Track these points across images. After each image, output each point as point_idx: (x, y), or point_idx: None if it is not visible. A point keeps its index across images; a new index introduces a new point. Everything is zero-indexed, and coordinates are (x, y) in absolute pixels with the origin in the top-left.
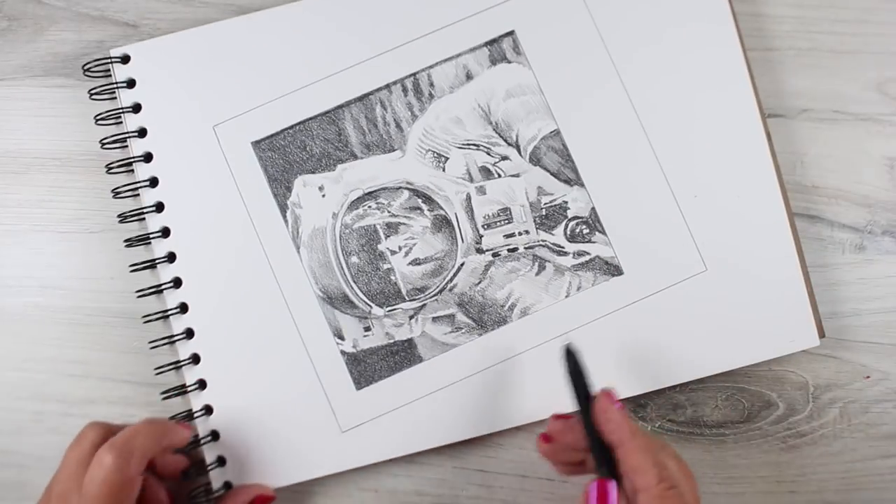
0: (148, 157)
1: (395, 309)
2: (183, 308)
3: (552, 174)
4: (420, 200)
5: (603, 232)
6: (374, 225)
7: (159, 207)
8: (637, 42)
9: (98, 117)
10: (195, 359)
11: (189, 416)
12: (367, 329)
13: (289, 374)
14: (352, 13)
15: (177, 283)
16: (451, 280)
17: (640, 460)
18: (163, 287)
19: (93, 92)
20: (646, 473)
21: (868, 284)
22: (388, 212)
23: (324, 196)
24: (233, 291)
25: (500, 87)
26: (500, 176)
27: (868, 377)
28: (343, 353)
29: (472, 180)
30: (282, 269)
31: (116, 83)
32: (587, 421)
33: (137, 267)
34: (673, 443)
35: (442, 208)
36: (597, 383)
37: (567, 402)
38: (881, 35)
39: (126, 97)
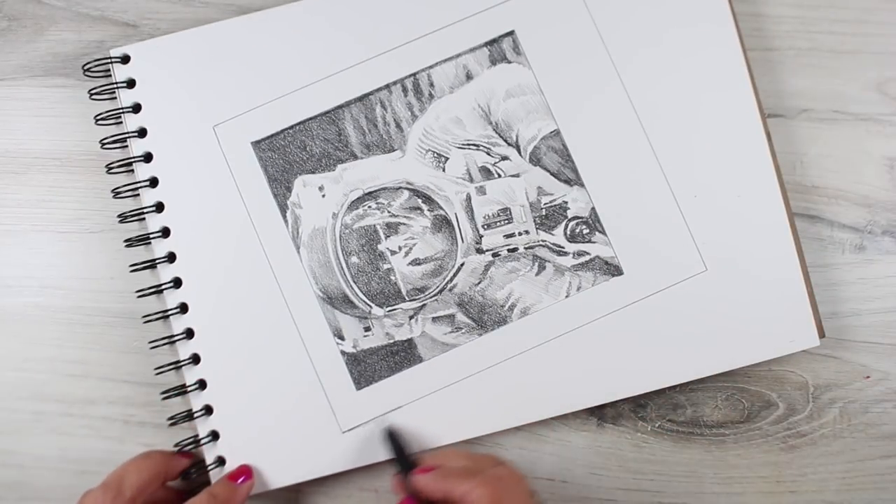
0: (148, 157)
1: (395, 309)
2: (183, 308)
3: (552, 174)
4: (420, 200)
5: (603, 232)
6: (374, 225)
7: (159, 207)
8: (637, 42)
9: (98, 117)
10: (195, 359)
11: (189, 416)
12: (367, 329)
13: (289, 374)
14: (352, 13)
15: (177, 283)
16: (451, 280)
17: (461, 488)
18: (163, 287)
19: (93, 92)
20: (470, 493)
21: (868, 284)
22: (388, 212)
23: (324, 196)
24: (233, 291)
25: (500, 87)
26: (500, 176)
27: (868, 377)
28: (343, 353)
29: (472, 180)
30: (282, 270)
31: (116, 83)
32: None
33: (137, 267)
34: (673, 443)
35: (442, 208)
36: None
37: None
38: (881, 35)
39: (126, 97)
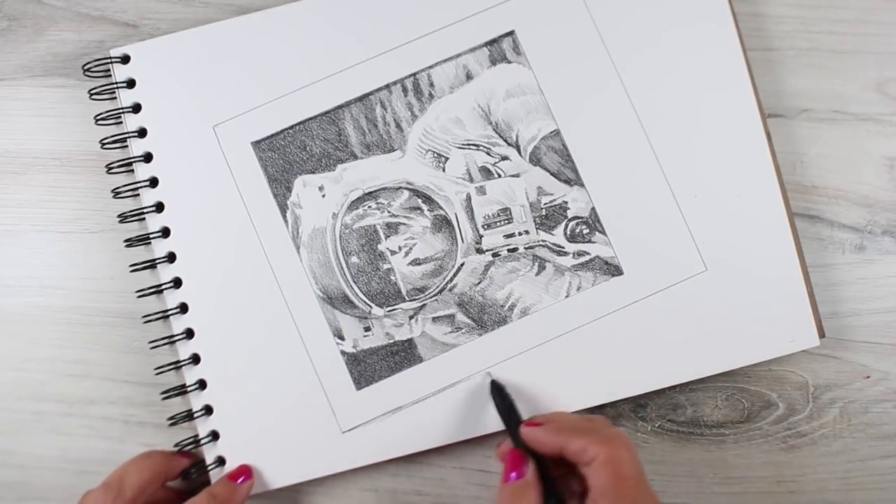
0: (148, 157)
1: (395, 309)
2: (183, 308)
3: (552, 174)
4: (420, 200)
5: (603, 232)
6: (374, 225)
7: (159, 207)
8: (637, 42)
9: (98, 117)
10: (195, 359)
11: (189, 416)
12: (367, 329)
13: (289, 374)
14: (352, 13)
15: (177, 283)
16: (451, 280)
17: (577, 444)
18: (163, 287)
19: (93, 92)
20: (585, 450)
21: (868, 284)
22: (388, 212)
23: (324, 196)
24: (233, 291)
25: (500, 87)
26: (500, 176)
27: (868, 377)
28: (343, 353)
29: (472, 180)
30: (282, 270)
31: (116, 83)
32: (520, 444)
33: (137, 267)
34: (673, 443)
35: (442, 208)
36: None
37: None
38: (881, 35)
39: (126, 97)
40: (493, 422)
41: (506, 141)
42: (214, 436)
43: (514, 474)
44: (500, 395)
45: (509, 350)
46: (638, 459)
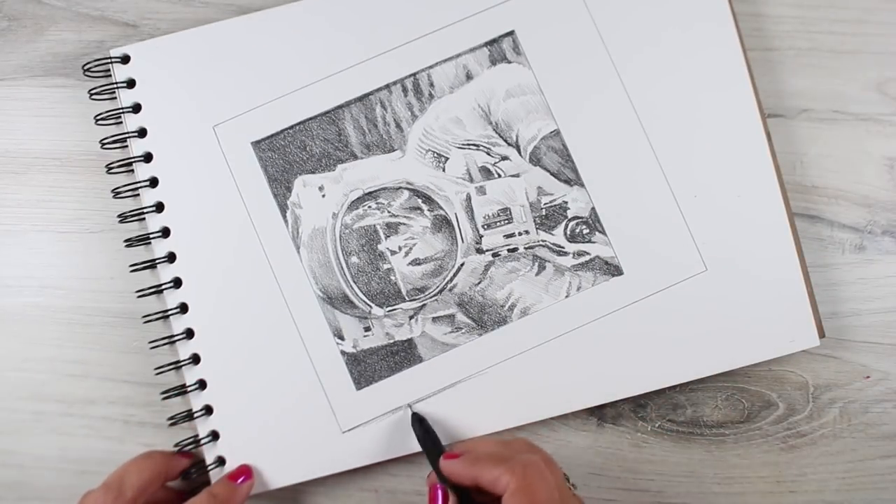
0: (148, 157)
1: (395, 309)
2: (183, 308)
3: (552, 174)
4: (420, 200)
5: (603, 232)
6: (374, 225)
7: (159, 207)
8: (637, 42)
9: (98, 117)
10: (195, 359)
11: (189, 416)
12: (367, 329)
13: (289, 374)
14: (352, 13)
15: (177, 283)
16: (451, 280)
17: (490, 475)
18: (163, 287)
19: (93, 92)
20: (498, 480)
21: (868, 284)
22: (388, 212)
23: (324, 196)
24: (233, 291)
25: (500, 87)
26: (500, 176)
27: (868, 377)
28: (343, 353)
29: (472, 180)
30: (282, 270)
31: (116, 83)
32: (441, 476)
33: (137, 267)
34: (673, 443)
35: (442, 208)
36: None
37: None
38: (881, 35)
39: (126, 97)
40: (492, 422)
41: (506, 141)
42: (214, 436)
43: None
44: (421, 426)
45: (509, 350)
46: (555, 482)
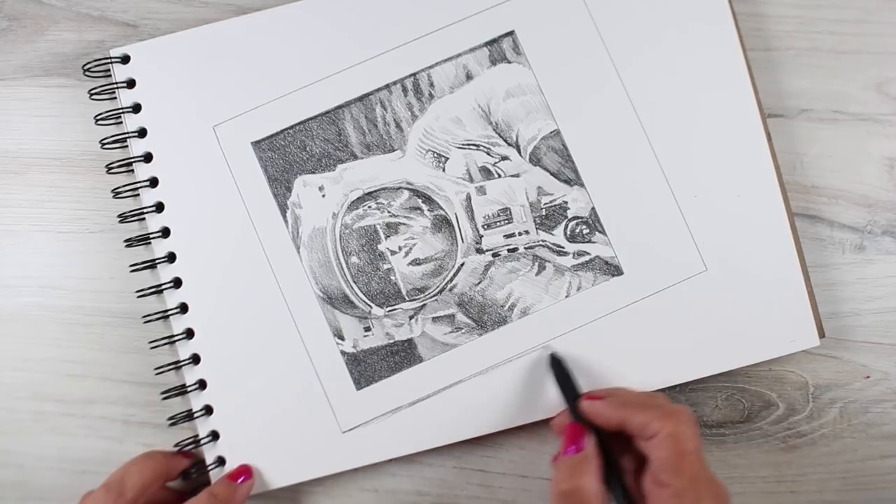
0: (148, 158)
1: (395, 309)
2: (183, 308)
3: (552, 174)
4: (420, 200)
5: (603, 232)
6: (374, 225)
7: (159, 207)
8: (637, 42)
9: (98, 117)
10: (195, 359)
11: (189, 416)
12: (367, 329)
13: (289, 374)
14: (352, 13)
15: (177, 283)
16: (451, 280)
17: (640, 419)
18: (163, 287)
19: (93, 92)
20: (648, 425)
21: (868, 284)
22: (388, 212)
23: (324, 196)
24: (233, 291)
25: (500, 87)
26: (500, 176)
27: (868, 377)
28: (343, 353)
29: (472, 180)
30: (282, 270)
31: (116, 83)
32: (579, 418)
33: (137, 267)
34: None
35: (442, 208)
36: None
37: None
38: (881, 35)
39: (126, 97)
40: (494, 422)
41: (506, 141)
42: (214, 436)
43: (572, 448)
44: (558, 367)
45: (509, 350)
46: (699, 435)
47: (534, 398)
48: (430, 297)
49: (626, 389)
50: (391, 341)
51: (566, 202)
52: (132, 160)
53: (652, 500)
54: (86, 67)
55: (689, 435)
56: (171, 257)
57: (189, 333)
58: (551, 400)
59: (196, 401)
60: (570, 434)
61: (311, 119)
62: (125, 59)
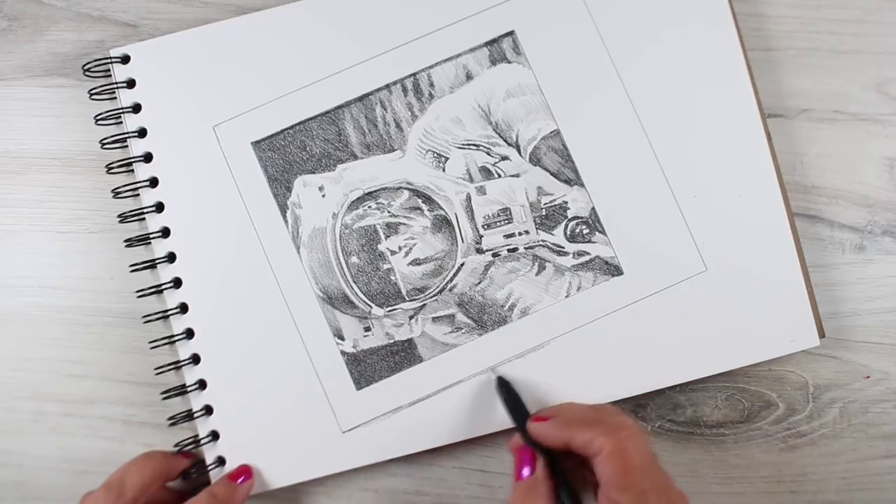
0: (148, 158)
1: (395, 309)
2: (183, 308)
3: (552, 174)
4: (420, 200)
5: (603, 232)
6: (374, 225)
7: (159, 207)
8: (637, 42)
9: (98, 117)
10: (195, 359)
11: (189, 416)
12: (367, 329)
13: (289, 374)
14: (352, 13)
15: (177, 283)
16: (451, 280)
17: (583, 437)
18: (163, 287)
19: (93, 92)
20: (592, 442)
21: (868, 284)
22: (388, 212)
23: (324, 196)
24: (233, 291)
25: (500, 87)
26: (500, 176)
27: (868, 377)
28: (343, 353)
29: (472, 180)
30: (282, 270)
31: (116, 83)
32: (528, 439)
33: (137, 267)
34: (673, 443)
35: (442, 208)
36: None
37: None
38: (881, 35)
39: (126, 97)
40: (494, 421)
41: (506, 141)
42: (214, 436)
43: (525, 471)
44: (506, 390)
45: (509, 350)
46: (646, 446)
47: (533, 398)
48: (430, 297)
49: (574, 405)
50: (391, 341)
51: (566, 202)
52: (132, 160)
53: None
54: (86, 67)
55: (632, 449)
56: (171, 257)
57: (189, 333)
58: (551, 400)
59: (196, 401)
60: (520, 458)
61: (311, 119)
62: (125, 59)
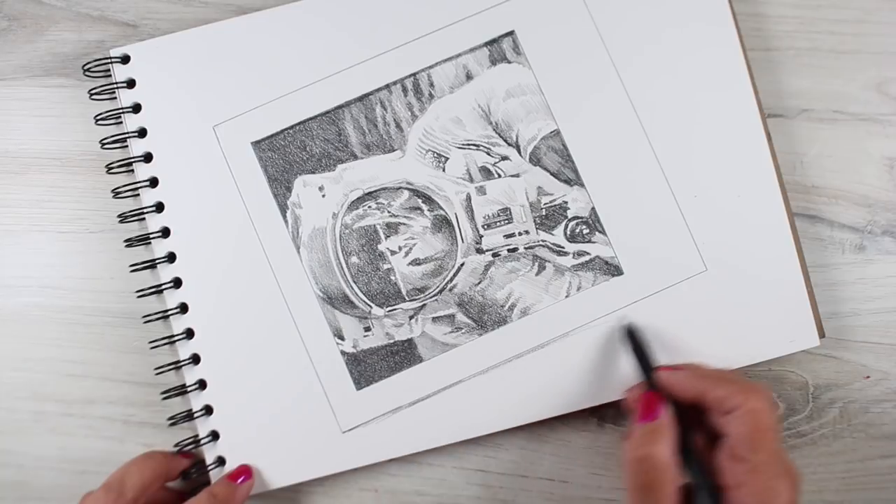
0: (148, 158)
1: (395, 309)
2: (183, 308)
3: (552, 174)
4: (420, 200)
5: (603, 232)
6: (374, 225)
7: (159, 207)
8: (637, 42)
9: (98, 117)
10: (195, 359)
11: (189, 416)
12: (367, 329)
13: (289, 374)
14: (352, 13)
15: (177, 283)
16: (451, 280)
17: (718, 392)
18: (163, 287)
19: (93, 92)
20: (727, 399)
21: (868, 284)
22: (388, 212)
23: (324, 196)
24: (233, 291)
25: (500, 87)
26: (500, 176)
27: (868, 377)
28: (343, 353)
29: (472, 180)
30: (282, 270)
31: (116, 83)
32: (655, 389)
33: (137, 267)
34: None
35: (442, 208)
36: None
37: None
38: (881, 35)
39: (126, 97)
40: (492, 422)
41: (506, 141)
42: (214, 436)
43: (648, 417)
44: (634, 338)
45: (509, 350)
46: (776, 412)
47: (533, 398)
48: (430, 297)
49: (702, 365)
50: (391, 341)
51: (566, 202)
52: (132, 160)
53: (727, 475)
54: (86, 67)
55: (767, 412)
56: (171, 257)
57: (189, 333)
58: (551, 400)
59: (196, 401)
60: (646, 403)
61: (311, 119)
62: (125, 59)
